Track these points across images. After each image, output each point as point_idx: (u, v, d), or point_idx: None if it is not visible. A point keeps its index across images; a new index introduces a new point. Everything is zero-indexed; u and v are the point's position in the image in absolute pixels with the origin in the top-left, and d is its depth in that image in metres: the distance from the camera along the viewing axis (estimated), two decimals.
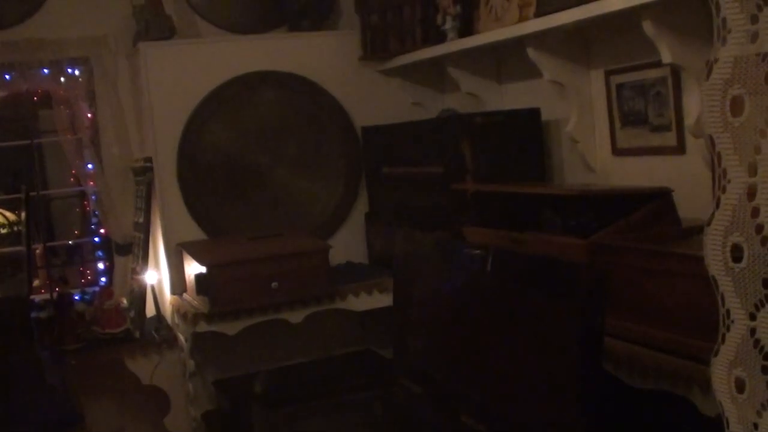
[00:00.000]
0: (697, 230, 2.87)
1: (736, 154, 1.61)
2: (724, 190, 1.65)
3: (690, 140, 3.27)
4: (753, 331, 1.62)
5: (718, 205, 1.66)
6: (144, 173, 4.68)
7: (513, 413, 2.73)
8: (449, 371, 3.14)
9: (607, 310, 2.43)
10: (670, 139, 3.38)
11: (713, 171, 2.94)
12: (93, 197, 5.06)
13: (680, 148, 3.34)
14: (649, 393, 2.68)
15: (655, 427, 2.88)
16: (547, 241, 3.15)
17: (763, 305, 1.59)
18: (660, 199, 3.05)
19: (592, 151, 3.80)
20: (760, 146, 1.57)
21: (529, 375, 2.66)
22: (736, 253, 1.64)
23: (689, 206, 3.09)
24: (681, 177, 3.26)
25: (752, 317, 1.62)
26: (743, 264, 1.62)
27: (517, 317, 2.76)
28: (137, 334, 4.58)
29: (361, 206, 4.92)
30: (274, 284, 4.10)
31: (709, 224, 1.69)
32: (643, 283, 2.69)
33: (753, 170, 1.59)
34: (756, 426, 1.63)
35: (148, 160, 4.62)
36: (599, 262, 2.84)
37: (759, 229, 1.58)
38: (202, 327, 4.12)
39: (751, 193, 1.60)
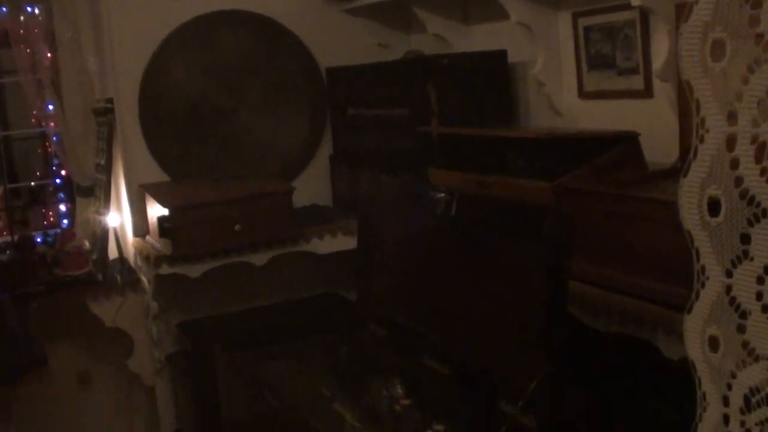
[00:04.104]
0: (662, 174, 2.87)
1: (716, 102, 1.54)
2: (702, 140, 1.57)
3: (657, 84, 3.26)
4: (729, 288, 1.55)
5: (695, 156, 1.58)
6: (105, 114, 4.61)
7: (477, 356, 2.73)
8: (413, 314, 3.14)
9: (572, 253, 2.43)
10: (637, 82, 3.37)
11: (679, 116, 2.96)
12: (54, 139, 4.99)
13: (647, 92, 3.32)
14: (613, 336, 2.69)
15: (619, 370, 2.90)
16: (513, 184, 3.14)
17: (740, 262, 1.53)
18: (626, 143, 3.04)
19: (559, 95, 3.78)
20: (742, 93, 1.49)
21: (493, 318, 2.66)
22: (713, 207, 1.57)
23: (656, 150, 3.09)
24: (648, 121, 3.25)
25: (728, 274, 1.56)
26: (720, 218, 1.55)
27: (482, 260, 2.76)
28: (100, 277, 4.55)
29: (326, 148, 4.88)
30: (237, 227, 4.07)
31: (685, 175, 1.61)
32: (608, 227, 2.69)
33: (733, 119, 1.52)
34: (729, 387, 1.59)
35: (110, 101, 4.56)
36: (565, 206, 2.83)
37: (738, 181, 1.51)
38: (165, 269, 4.09)
39: (731, 144, 1.53)
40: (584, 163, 2.96)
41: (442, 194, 2.99)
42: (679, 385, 2.61)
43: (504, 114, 3.98)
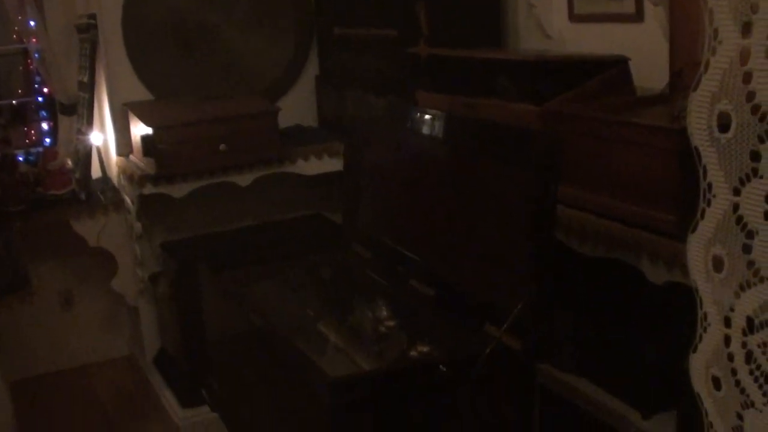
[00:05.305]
0: (651, 99, 2.85)
1: (730, 12, 1.46)
2: (713, 52, 1.50)
3: (648, 8, 3.23)
4: (736, 206, 1.51)
5: (706, 69, 1.52)
6: (88, 31, 4.52)
7: (462, 278, 2.73)
8: (399, 236, 3.13)
9: (559, 177, 2.42)
10: (628, 6, 3.33)
11: (669, 40, 2.93)
12: (36, 55, 4.91)
13: (638, 16, 3.29)
14: (599, 261, 2.69)
15: (604, 295, 2.90)
16: (501, 107, 3.12)
17: (749, 180, 1.47)
18: (616, 67, 3.02)
19: (549, 17, 3.74)
20: (758, 4, 1.41)
21: (480, 242, 2.66)
22: (723, 122, 1.51)
23: (645, 75, 3.07)
24: (638, 45, 3.23)
25: (736, 192, 1.50)
26: (730, 134, 1.49)
27: (469, 184, 2.74)
28: (83, 196, 4.51)
29: (312, 68, 4.82)
30: (222, 146, 4.04)
31: (694, 89, 1.55)
32: (596, 152, 2.68)
33: (748, 31, 1.45)
34: (732, 308, 1.55)
35: (93, 16, 4.47)
36: (553, 130, 2.82)
37: (750, 96, 1.44)
38: (149, 189, 4.07)
39: (744, 57, 1.46)
40: (573, 87, 2.94)
41: (430, 116, 2.96)
42: (662, 309, 2.62)
43: (493, 36, 3.94)
